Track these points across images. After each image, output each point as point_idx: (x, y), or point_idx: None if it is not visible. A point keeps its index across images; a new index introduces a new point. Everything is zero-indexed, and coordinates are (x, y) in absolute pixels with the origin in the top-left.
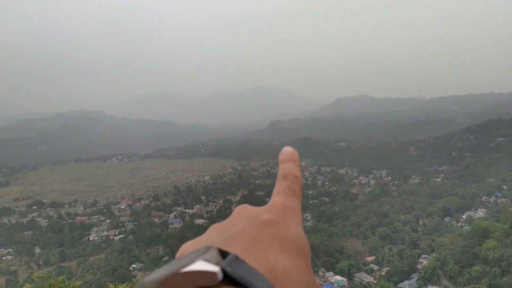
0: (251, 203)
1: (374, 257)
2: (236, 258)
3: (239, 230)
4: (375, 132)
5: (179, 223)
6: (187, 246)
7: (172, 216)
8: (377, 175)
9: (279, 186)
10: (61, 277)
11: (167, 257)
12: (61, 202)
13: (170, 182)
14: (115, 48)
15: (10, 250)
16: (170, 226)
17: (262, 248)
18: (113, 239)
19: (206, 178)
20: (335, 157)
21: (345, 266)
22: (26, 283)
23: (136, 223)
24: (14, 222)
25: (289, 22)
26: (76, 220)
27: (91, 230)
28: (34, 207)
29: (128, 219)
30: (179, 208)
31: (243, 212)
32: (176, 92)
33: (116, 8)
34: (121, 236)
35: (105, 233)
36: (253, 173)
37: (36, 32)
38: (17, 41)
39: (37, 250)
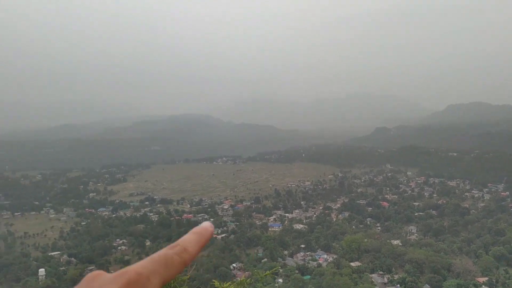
0: (352, 212)
1: (486, 278)
2: None
3: None
4: (491, 142)
5: (279, 226)
6: None
7: (272, 219)
8: (492, 189)
9: (158, 252)
10: None
11: (265, 259)
12: (170, 199)
13: (271, 185)
14: (224, 56)
15: (124, 241)
16: (269, 229)
17: None
18: (216, 237)
19: (307, 183)
20: (445, 168)
21: (452, 285)
22: None
23: (237, 223)
24: (129, 215)
25: (395, 23)
26: (183, 217)
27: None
28: (147, 202)
29: (230, 219)
30: (279, 211)
31: (91, 284)
32: (279, 98)
33: (229, 19)
34: (223, 235)
35: None
36: (355, 180)
37: (157, 46)
38: (141, 53)
39: (148, 243)
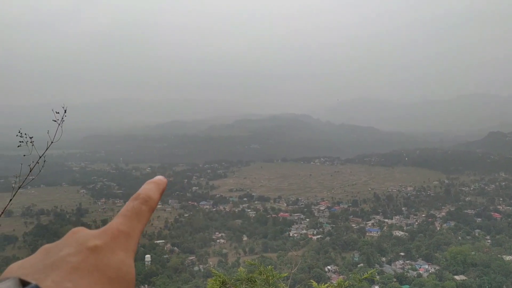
0: (458, 222)
1: None
2: (36, 286)
3: (62, 256)
4: None
5: (377, 231)
6: (13, 267)
7: (370, 224)
8: None
9: (125, 207)
10: (269, 266)
11: (361, 264)
12: (267, 197)
13: (370, 189)
14: (323, 55)
15: (223, 234)
16: (367, 234)
17: (77, 277)
18: (311, 238)
19: (409, 188)
20: None
21: None
22: (241, 267)
23: (333, 225)
24: (228, 210)
25: None
26: (279, 215)
27: (292, 226)
28: (245, 198)
29: (326, 221)
30: (378, 216)
31: (74, 236)
32: (382, 98)
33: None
34: (319, 236)
35: (304, 231)
36: (463, 188)
37: (261, 44)
38: (246, 53)
39: (244, 238)
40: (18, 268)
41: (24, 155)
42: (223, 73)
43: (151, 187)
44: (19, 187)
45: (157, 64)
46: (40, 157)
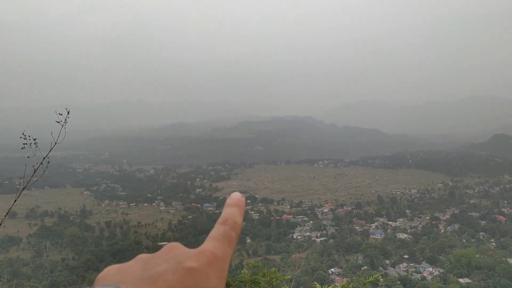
0: (462, 224)
1: None
2: None
3: (159, 272)
4: None
5: (381, 234)
6: (110, 271)
7: (373, 226)
8: None
9: (215, 231)
10: (273, 268)
11: (365, 267)
12: (270, 199)
13: (373, 191)
14: (329, 59)
15: None
16: (371, 236)
17: None
18: (314, 240)
19: (413, 191)
20: None
21: None
22: (244, 269)
23: (337, 228)
24: None
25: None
26: (282, 218)
27: (295, 228)
28: (248, 201)
29: (330, 223)
30: (381, 219)
31: (171, 252)
32: (386, 100)
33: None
34: (322, 238)
35: (308, 233)
36: (467, 191)
37: (265, 48)
38: (248, 56)
39: (248, 240)
40: (115, 274)
41: (28, 157)
42: (227, 75)
43: (234, 211)
44: (23, 188)
45: (162, 66)
46: (44, 158)
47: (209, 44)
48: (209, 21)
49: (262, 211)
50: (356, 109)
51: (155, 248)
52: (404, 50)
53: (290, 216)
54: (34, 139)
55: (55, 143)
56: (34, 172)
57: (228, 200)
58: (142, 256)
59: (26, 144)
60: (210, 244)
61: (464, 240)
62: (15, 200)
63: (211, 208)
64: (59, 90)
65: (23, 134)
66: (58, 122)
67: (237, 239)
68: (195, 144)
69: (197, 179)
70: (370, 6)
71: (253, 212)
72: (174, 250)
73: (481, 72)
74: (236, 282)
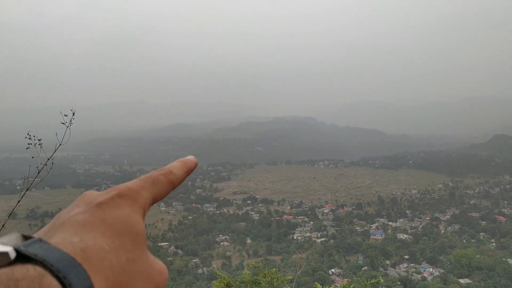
0: (462, 225)
1: None
2: (39, 240)
3: (69, 217)
4: None
5: (381, 235)
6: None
7: (374, 227)
8: None
9: (146, 174)
10: (273, 269)
11: (366, 267)
12: (271, 200)
13: (374, 191)
14: (330, 59)
15: (227, 237)
16: (371, 237)
17: (83, 232)
18: (315, 241)
19: (413, 191)
20: None
21: None
22: (245, 269)
23: (337, 228)
24: (231, 212)
25: None
26: (283, 218)
27: (296, 229)
28: (249, 201)
29: (330, 224)
30: (382, 219)
31: (83, 198)
32: (386, 101)
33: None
34: (323, 239)
35: (308, 234)
36: (468, 191)
37: (265, 48)
38: (249, 56)
39: (248, 241)
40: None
41: (32, 157)
42: (228, 75)
43: (177, 164)
44: (27, 189)
45: (162, 67)
46: (48, 159)
47: (209, 45)
48: (209, 22)
49: (262, 211)
50: (357, 109)
51: (155, 249)
52: (405, 50)
53: (290, 216)
54: (39, 140)
55: (60, 144)
56: (38, 173)
57: (179, 159)
58: (59, 213)
59: (31, 144)
60: (129, 182)
61: (464, 241)
62: (19, 201)
63: (212, 209)
64: (60, 91)
65: (28, 134)
66: (63, 123)
67: (169, 186)
68: (195, 144)
69: (198, 179)
70: (370, 5)
71: (253, 213)
72: (86, 196)
73: (482, 73)
74: (237, 283)
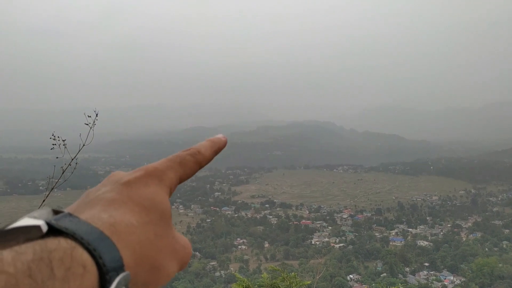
0: (485, 233)
1: None
2: (69, 214)
3: (98, 195)
4: None
5: (401, 241)
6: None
7: (393, 233)
8: None
9: (173, 154)
10: (292, 273)
11: (385, 274)
12: (289, 204)
13: (394, 197)
14: (348, 62)
15: (245, 240)
16: (390, 243)
17: (112, 209)
18: (333, 246)
19: (434, 198)
20: None
21: None
22: (264, 273)
23: (356, 234)
24: (249, 216)
25: None
26: (301, 223)
27: (314, 234)
28: (267, 205)
29: (349, 229)
30: (402, 225)
31: (111, 177)
32: (406, 106)
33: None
34: (341, 244)
35: (326, 239)
36: (491, 198)
37: (283, 51)
38: (268, 58)
39: (266, 245)
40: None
41: (57, 157)
42: (244, 77)
43: (206, 144)
44: (52, 189)
45: (181, 69)
46: (72, 159)
47: (229, 47)
48: (225, 23)
49: (280, 215)
50: (376, 114)
51: None
52: (427, 56)
53: (308, 221)
54: (63, 140)
55: (83, 145)
56: (63, 173)
57: (208, 138)
58: (87, 191)
59: (55, 145)
60: (156, 162)
61: (486, 249)
62: (44, 200)
63: (230, 212)
64: (81, 94)
65: (52, 135)
66: (87, 124)
67: (197, 165)
68: None
69: (216, 182)
70: (391, 12)
71: (271, 217)
72: (113, 175)
73: (505, 78)
74: (255, 286)
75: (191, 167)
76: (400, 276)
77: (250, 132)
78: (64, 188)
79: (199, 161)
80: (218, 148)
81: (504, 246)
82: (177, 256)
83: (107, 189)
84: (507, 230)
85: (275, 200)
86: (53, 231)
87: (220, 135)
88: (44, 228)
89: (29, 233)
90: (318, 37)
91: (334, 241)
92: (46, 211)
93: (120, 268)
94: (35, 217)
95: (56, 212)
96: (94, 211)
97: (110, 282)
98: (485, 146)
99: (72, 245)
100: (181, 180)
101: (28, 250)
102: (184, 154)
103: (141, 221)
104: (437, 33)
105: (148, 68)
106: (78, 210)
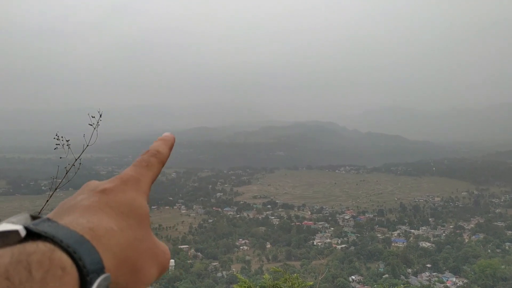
0: (487, 234)
1: None
2: (47, 219)
3: (76, 202)
4: None
5: (403, 242)
6: None
7: (396, 234)
8: None
9: (136, 159)
10: (295, 274)
11: (387, 275)
12: (291, 205)
13: (396, 198)
14: (350, 63)
15: (246, 241)
16: (392, 244)
17: (90, 214)
18: (335, 247)
19: (436, 199)
20: None
21: None
22: (266, 274)
23: (358, 235)
24: (251, 217)
25: None
26: (303, 224)
27: (316, 235)
28: (269, 206)
29: (351, 230)
30: (404, 227)
31: (87, 186)
32: (409, 106)
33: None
34: (343, 245)
35: (328, 240)
36: (493, 200)
37: (286, 52)
38: (272, 59)
39: (268, 245)
40: None
41: (60, 157)
42: (246, 77)
43: (160, 143)
44: (56, 189)
45: (184, 70)
46: (76, 159)
47: (232, 48)
48: (229, 24)
49: (282, 216)
50: (379, 115)
51: (175, 251)
52: (430, 56)
53: (310, 222)
54: (67, 141)
55: (87, 145)
56: (66, 173)
57: (158, 138)
58: (62, 201)
59: (59, 145)
60: (126, 169)
61: (489, 250)
62: (47, 200)
63: (232, 212)
64: (84, 94)
65: (56, 135)
66: (91, 124)
67: (160, 165)
68: (216, 148)
69: (218, 183)
70: (393, 12)
71: (273, 217)
72: (89, 184)
73: (509, 78)
74: (257, 287)
75: (157, 167)
76: (402, 277)
77: (253, 132)
78: (67, 188)
79: (162, 160)
80: (171, 144)
81: (507, 247)
82: (157, 260)
83: (84, 196)
84: (510, 232)
85: (277, 201)
86: (32, 235)
87: (167, 133)
88: (23, 233)
89: (7, 238)
90: (320, 36)
91: (336, 242)
92: (24, 217)
93: (100, 270)
94: (13, 222)
95: (34, 217)
96: (72, 217)
97: (91, 283)
98: (488, 147)
99: (51, 248)
100: (152, 181)
101: (5, 254)
102: (147, 157)
103: (120, 226)
104: (440, 33)
105: (151, 68)
106: (56, 217)
